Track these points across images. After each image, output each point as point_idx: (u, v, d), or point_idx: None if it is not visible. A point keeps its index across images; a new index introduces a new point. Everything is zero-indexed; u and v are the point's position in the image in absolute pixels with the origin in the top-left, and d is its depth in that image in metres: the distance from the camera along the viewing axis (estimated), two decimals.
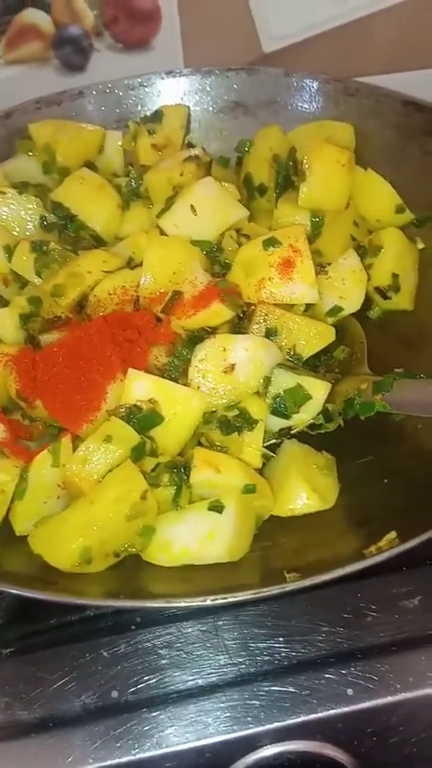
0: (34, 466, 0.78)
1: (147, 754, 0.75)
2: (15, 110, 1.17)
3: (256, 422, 0.80)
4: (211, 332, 0.85)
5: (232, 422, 0.80)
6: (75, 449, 0.78)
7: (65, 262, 0.99)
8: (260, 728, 0.76)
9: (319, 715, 0.76)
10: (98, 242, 1.06)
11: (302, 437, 0.86)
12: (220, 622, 0.81)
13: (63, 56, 1.33)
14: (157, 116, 1.16)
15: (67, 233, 1.05)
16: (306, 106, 1.18)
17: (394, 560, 0.81)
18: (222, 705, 0.76)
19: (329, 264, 0.97)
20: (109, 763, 0.74)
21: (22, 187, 1.06)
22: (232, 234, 0.96)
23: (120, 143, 1.16)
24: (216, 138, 1.21)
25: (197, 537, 0.74)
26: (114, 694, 0.78)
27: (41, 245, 0.99)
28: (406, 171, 1.06)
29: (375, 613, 0.82)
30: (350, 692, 0.76)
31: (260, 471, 0.82)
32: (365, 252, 1.01)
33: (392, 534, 0.71)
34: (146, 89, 1.23)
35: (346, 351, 0.92)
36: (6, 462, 0.78)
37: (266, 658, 0.79)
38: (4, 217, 1.03)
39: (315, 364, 0.90)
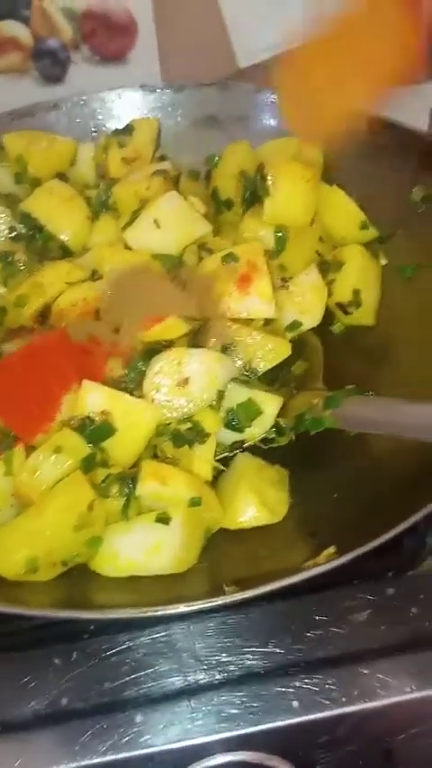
0: None
1: (95, 761, 0.75)
2: None
3: (208, 435, 0.81)
4: (167, 345, 0.86)
5: (184, 435, 0.81)
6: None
7: (30, 272, 1.01)
8: (207, 738, 0.76)
9: (266, 726, 0.76)
10: (66, 253, 1.07)
11: (255, 450, 0.87)
12: (172, 633, 0.81)
13: (42, 67, 1.35)
14: (128, 129, 1.17)
15: (35, 243, 1.06)
16: (275, 122, 1.20)
17: (346, 574, 0.83)
18: (170, 715, 0.77)
19: (291, 279, 0.98)
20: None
21: None
22: (194, 249, 0.97)
23: (92, 155, 1.17)
24: (188, 151, 1.22)
25: (144, 548, 0.74)
26: (64, 701, 0.78)
27: (7, 255, 1.00)
28: (372, 188, 1.07)
29: (325, 627, 0.82)
30: (296, 704, 0.77)
31: (212, 484, 0.83)
32: (329, 267, 1.02)
33: (331, 549, 0.72)
34: (120, 102, 1.25)
35: (303, 366, 0.93)
36: None
37: (216, 669, 0.80)
38: None
39: (272, 378, 0.91)
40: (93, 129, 1.23)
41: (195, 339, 0.88)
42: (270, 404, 0.83)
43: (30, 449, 0.80)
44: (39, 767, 0.74)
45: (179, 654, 0.81)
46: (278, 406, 0.84)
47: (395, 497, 0.78)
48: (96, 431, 0.78)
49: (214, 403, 0.83)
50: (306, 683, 0.78)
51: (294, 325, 0.95)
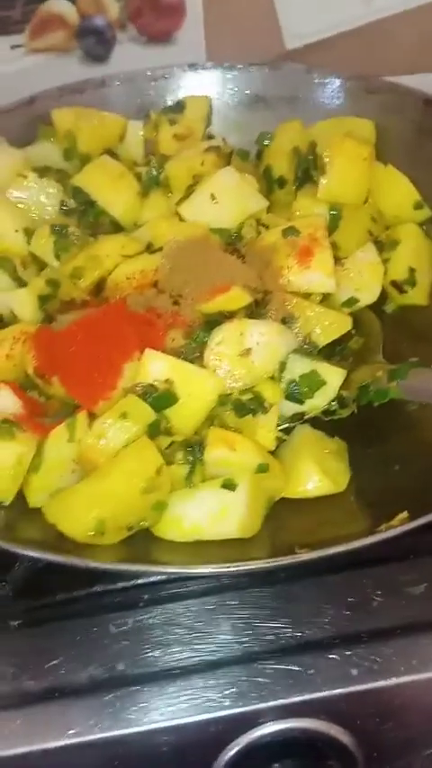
0: (50, 440, 0.79)
1: (151, 726, 0.76)
2: (39, 96, 1.18)
3: (271, 405, 0.81)
4: (228, 317, 0.86)
5: (246, 405, 0.81)
6: (90, 426, 0.80)
7: (83, 246, 1.01)
8: (263, 705, 0.76)
9: (323, 694, 0.76)
10: (117, 228, 1.07)
11: (315, 423, 0.87)
12: (226, 602, 0.82)
13: (86, 46, 1.36)
14: (180, 106, 1.17)
15: (86, 218, 1.06)
16: (327, 102, 1.20)
17: (401, 549, 0.84)
18: (227, 681, 0.77)
19: (346, 258, 0.98)
20: (114, 733, 0.75)
21: (43, 172, 1.07)
22: (252, 223, 0.97)
23: (141, 133, 1.17)
24: (235, 131, 1.22)
25: (209, 514, 0.75)
26: (120, 667, 0.79)
27: (61, 228, 1.01)
28: (425, 168, 1.07)
29: (381, 599, 0.82)
30: (354, 672, 0.77)
31: (272, 455, 0.83)
32: (382, 246, 1.02)
33: (404, 514, 0.72)
34: (167, 81, 1.25)
35: (360, 341, 0.93)
36: (24, 435, 0.79)
37: (271, 638, 0.80)
38: (24, 200, 1.05)
39: (329, 354, 0.91)
40: (140, 108, 1.23)
41: (255, 311, 0.89)
42: (334, 375, 0.84)
43: (91, 416, 0.81)
44: (96, 732, 0.75)
45: (234, 623, 0.81)
46: (342, 377, 0.84)
47: None
48: (159, 399, 0.79)
49: (276, 374, 0.83)
50: (365, 653, 0.78)
51: (351, 301, 0.95)
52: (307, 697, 0.76)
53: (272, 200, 1.06)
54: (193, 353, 0.85)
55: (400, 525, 0.70)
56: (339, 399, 0.85)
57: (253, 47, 1.40)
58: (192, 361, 0.83)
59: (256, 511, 0.77)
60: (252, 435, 0.80)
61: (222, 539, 0.75)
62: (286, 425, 0.87)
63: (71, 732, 0.74)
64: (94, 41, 1.35)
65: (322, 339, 0.88)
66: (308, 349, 0.86)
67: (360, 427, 0.87)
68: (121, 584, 0.84)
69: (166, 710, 0.76)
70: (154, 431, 0.78)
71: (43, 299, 0.97)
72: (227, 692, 0.77)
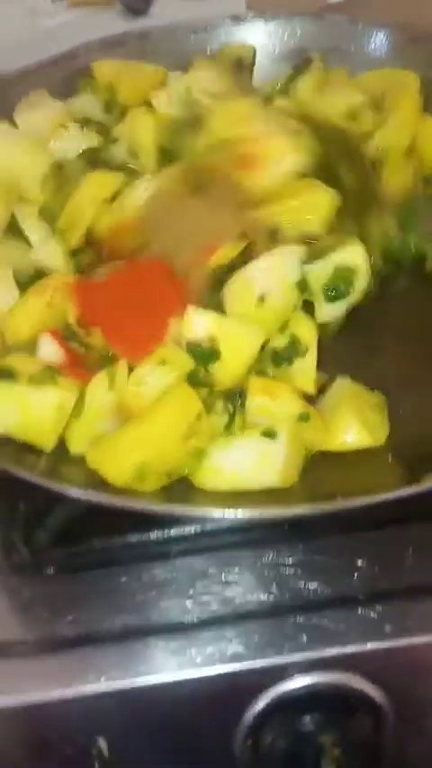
0: (91, 387, 0.79)
1: (181, 676, 0.76)
2: (79, 49, 1.18)
3: (306, 348, 0.81)
4: (229, 269, 0.86)
5: (282, 353, 0.81)
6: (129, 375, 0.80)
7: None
8: (293, 658, 0.76)
9: (355, 649, 0.76)
10: None
11: (357, 373, 0.86)
12: (259, 556, 0.82)
13: (126, 0, 1.33)
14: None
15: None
16: (371, 54, 1.17)
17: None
18: (256, 633, 0.78)
19: None
20: (145, 681, 0.76)
21: (83, 123, 1.07)
22: None
23: (182, 84, 1.15)
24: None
25: (248, 462, 0.75)
26: (153, 616, 0.80)
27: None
28: None
29: (415, 558, 0.82)
30: (388, 628, 0.77)
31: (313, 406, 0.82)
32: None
33: None
34: (208, 33, 1.23)
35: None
36: (66, 381, 0.79)
37: (303, 592, 0.80)
38: (65, 150, 1.04)
39: None
40: (181, 60, 1.21)
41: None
42: (354, 254, 0.83)
43: (130, 367, 0.81)
44: (129, 677, 0.76)
45: (266, 576, 0.81)
46: (361, 249, 0.83)
47: None
48: (201, 355, 0.79)
49: (298, 302, 0.82)
50: (398, 610, 0.78)
51: None
52: (338, 651, 0.76)
53: None
54: None
55: None
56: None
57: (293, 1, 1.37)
58: None
59: (296, 460, 0.77)
60: (292, 382, 0.80)
61: (261, 488, 0.75)
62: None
63: (104, 678, 0.76)
64: None
65: (316, 224, 0.87)
66: (314, 247, 0.84)
67: (397, 381, 0.86)
68: (155, 535, 0.85)
69: (195, 660, 0.76)
70: (194, 379, 0.77)
71: (75, 252, 0.97)
72: (256, 644, 0.77)
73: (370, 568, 0.81)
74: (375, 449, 0.81)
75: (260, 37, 1.22)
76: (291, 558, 0.82)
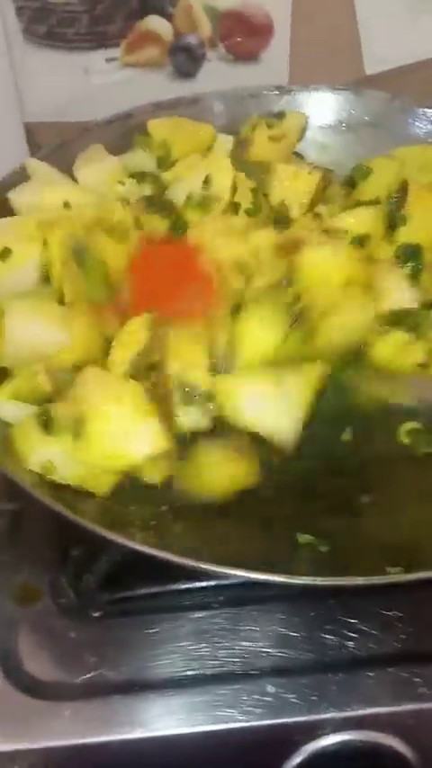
0: None
1: (221, 726, 0.79)
2: (135, 111, 1.23)
3: None
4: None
5: None
6: None
7: None
8: (329, 715, 0.79)
9: (391, 709, 0.79)
10: None
11: None
12: (299, 609, 0.85)
13: (177, 62, 1.40)
14: (279, 115, 1.22)
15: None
16: (410, 130, 1.23)
17: None
18: (295, 688, 0.80)
19: None
20: (190, 730, 0.78)
21: (139, 177, 1.12)
22: None
23: (229, 144, 1.20)
24: (318, 151, 1.26)
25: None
26: (195, 666, 0.82)
27: None
28: None
29: None
30: (422, 689, 0.79)
31: None
32: None
33: None
34: (256, 100, 1.29)
35: None
36: None
37: (340, 651, 0.83)
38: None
39: None
40: (228, 125, 1.27)
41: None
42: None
43: None
44: (173, 728, 0.78)
45: (306, 630, 0.84)
46: None
47: None
48: None
49: None
50: None
51: None
52: (372, 710, 0.79)
53: None
54: None
55: None
56: None
57: (334, 69, 1.44)
58: None
59: None
60: None
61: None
62: None
63: (148, 726, 0.78)
64: (185, 58, 1.39)
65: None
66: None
67: None
68: (199, 584, 0.88)
69: (234, 712, 0.79)
70: None
71: None
72: (294, 699, 0.79)
73: (405, 629, 0.84)
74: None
75: (302, 106, 1.28)
76: (329, 617, 0.85)
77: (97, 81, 1.38)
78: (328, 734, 0.80)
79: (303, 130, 1.23)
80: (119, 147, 1.18)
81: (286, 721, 0.79)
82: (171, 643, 0.83)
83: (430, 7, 1.38)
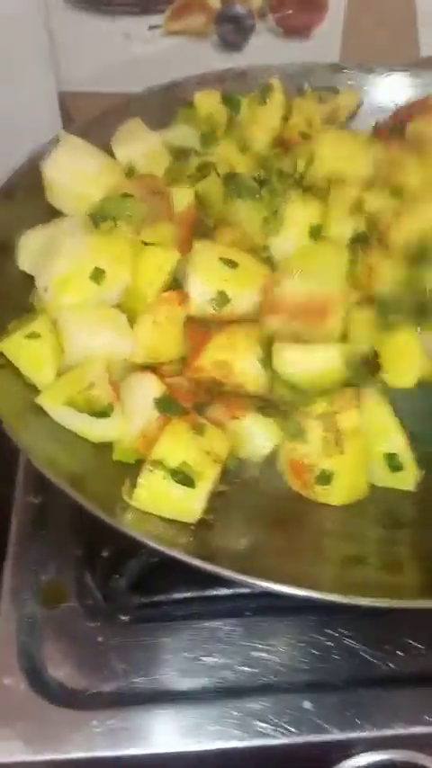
0: None
1: (254, 742, 0.75)
2: (179, 83, 1.16)
3: None
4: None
5: None
6: None
7: None
8: (361, 734, 0.76)
9: (421, 729, 0.75)
10: None
11: None
12: (330, 623, 0.81)
13: (223, 33, 1.33)
14: (333, 90, 1.16)
15: None
16: None
17: None
18: (334, 705, 0.77)
19: None
20: (214, 745, 0.74)
21: (178, 154, 1.05)
22: None
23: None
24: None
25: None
26: (227, 676, 0.78)
27: None
28: None
29: None
30: None
31: None
32: None
33: None
34: (306, 78, 1.22)
35: None
36: None
37: (376, 669, 0.79)
38: None
39: None
40: None
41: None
42: None
43: None
44: (202, 741, 0.75)
45: (340, 646, 0.80)
46: None
47: None
48: None
49: None
50: None
51: None
52: (403, 730, 0.75)
53: None
54: None
55: None
56: None
57: (388, 50, 1.36)
58: None
59: None
60: None
61: None
62: None
63: (180, 740, 0.74)
64: (232, 28, 1.32)
65: None
66: None
67: None
68: (229, 591, 0.83)
69: (268, 726, 0.75)
70: None
71: None
72: (327, 717, 0.76)
73: None
74: None
75: (356, 87, 1.21)
76: (366, 631, 0.81)
77: (138, 49, 1.31)
78: (359, 753, 0.76)
79: (355, 110, 1.17)
80: (160, 121, 1.11)
81: (323, 738, 0.75)
82: (203, 652, 0.79)
83: None
